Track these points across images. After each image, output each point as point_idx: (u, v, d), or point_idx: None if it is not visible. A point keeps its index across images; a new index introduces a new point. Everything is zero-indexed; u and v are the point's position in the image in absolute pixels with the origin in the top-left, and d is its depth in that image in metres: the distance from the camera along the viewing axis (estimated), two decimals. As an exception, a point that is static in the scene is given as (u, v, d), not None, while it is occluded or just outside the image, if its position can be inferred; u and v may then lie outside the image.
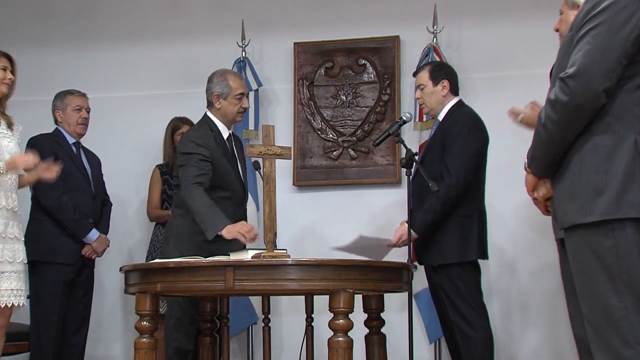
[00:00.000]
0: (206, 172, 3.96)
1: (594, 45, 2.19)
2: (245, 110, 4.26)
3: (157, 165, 5.21)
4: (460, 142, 4.02)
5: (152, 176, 5.18)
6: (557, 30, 2.99)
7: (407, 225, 3.98)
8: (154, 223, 5.16)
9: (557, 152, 2.32)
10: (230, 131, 4.26)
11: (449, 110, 4.18)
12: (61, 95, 4.70)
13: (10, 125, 3.93)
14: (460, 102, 4.24)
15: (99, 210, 4.74)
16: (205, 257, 3.47)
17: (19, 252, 3.85)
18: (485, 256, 4.11)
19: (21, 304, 3.85)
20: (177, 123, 5.17)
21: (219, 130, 4.16)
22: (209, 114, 4.19)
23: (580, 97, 2.20)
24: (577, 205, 2.24)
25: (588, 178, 2.22)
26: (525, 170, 2.59)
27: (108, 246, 4.74)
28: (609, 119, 2.23)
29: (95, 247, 4.61)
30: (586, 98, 2.20)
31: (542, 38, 3.70)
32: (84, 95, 4.74)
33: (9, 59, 3.95)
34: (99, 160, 4.81)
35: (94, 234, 4.59)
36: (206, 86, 4.20)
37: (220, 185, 4.05)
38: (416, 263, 4.07)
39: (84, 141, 4.84)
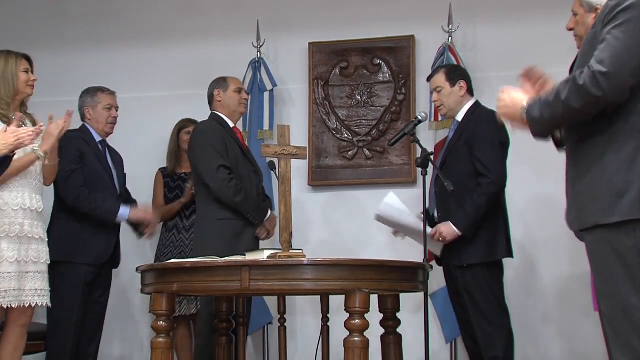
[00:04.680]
0: (225, 157, 4.27)
1: (623, 42, 2.20)
2: (246, 100, 4.63)
3: (159, 169, 5.23)
4: (491, 140, 4.05)
5: (156, 179, 5.22)
6: (570, 29, 2.97)
7: (446, 225, 4.01)
8: (161, 227, 5.13)
9: (561, 127, 2.49)
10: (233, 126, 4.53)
11: (468, 111, 4.18)
12: (91, 92, 4.60)
13: (34, 125, 3.96)
14: (477, 103, 4.24)
15: None
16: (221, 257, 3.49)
17: (43, 253, 3.89)
18: (511, 254, 4.13)
19: (44, 304, 3.88)
20: (185, 122, 5.21)
21: (227, 124, 4.46)
22: (214, 112, 4.52)
23: (611, 96, 2.22)
24: (599, 205, 2.23)
25: (610, 178, 2.22)
26: (521, 117, 2.49)
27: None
28: (633, 119, 2.23)
29: (141, 218, 4.55)
30: (615, 96, 2.22)
31: (558, 36, 3.68)
32: (113, 93, 4.67)
33: (29, 60, 3.98)
34: (121, 158, 4.73)
35: (124, 209, 4.45)
36: (208, 91, 4.55)
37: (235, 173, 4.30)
38: (432, 263, 4.06)
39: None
